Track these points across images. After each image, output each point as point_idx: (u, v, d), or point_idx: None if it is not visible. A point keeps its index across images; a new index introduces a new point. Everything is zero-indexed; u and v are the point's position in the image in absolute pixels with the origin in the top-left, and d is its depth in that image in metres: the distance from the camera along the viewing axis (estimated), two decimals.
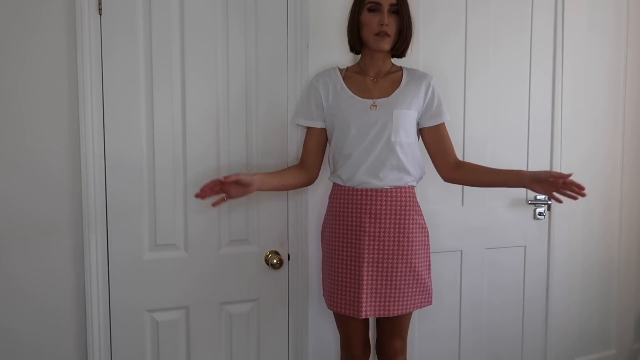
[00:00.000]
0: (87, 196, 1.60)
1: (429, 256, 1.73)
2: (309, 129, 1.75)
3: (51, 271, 1.61)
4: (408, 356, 1.79)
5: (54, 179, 1.59)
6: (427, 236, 1.73)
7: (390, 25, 1.62)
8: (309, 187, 1.84)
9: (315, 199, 1.88)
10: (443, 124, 1.73)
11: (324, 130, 1.73)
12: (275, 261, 1.80)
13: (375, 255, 1.63)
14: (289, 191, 1.85)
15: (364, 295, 1.62)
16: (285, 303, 1.89)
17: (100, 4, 1.59)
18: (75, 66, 1.58)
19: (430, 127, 1.72)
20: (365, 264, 1.62)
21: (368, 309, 1.63)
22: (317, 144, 1.75)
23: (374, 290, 1.63)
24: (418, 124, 1.72)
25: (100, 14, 1.59)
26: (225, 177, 1.50)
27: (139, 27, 1.64)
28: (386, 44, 1.64)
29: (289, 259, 1.87)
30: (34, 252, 1.58)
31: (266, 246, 1.85)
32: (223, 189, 1.51)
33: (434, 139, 1.73)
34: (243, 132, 1.79)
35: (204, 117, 1.74)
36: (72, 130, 1.60)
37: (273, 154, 1.83)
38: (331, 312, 1.88)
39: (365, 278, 1.62)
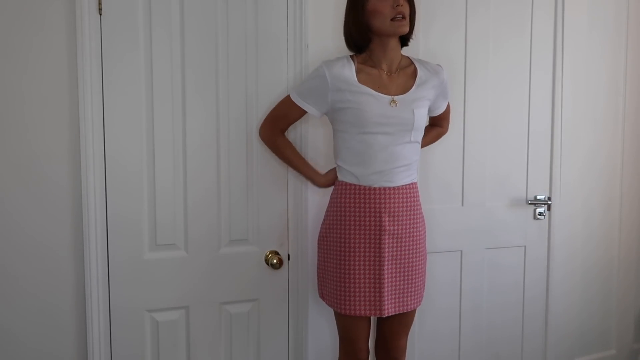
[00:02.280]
0: (87, 195, 1.60)
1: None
2: (299, 107, 1.66)
3: (51, 271, 1.61)
4: (408, 356, 1.79)
5: (54, 179, 1.59)
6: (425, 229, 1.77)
7: (405, 7, 1.57)
8: (309, 186, 1.85)
9: (315, 199, 1.88)
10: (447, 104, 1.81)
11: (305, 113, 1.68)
12: (275, 261, 1.80)
13: (394, 254, 1.62)
14: (289, 191, 1.85)
15: (386, 294, 1.61)
16: (285, 303, 1.89)
17: (100, 4, 1.59)
18: (76, 66, 1.58)
19: (440, 113, 1.81)
20: (386, 263, 1.61)
21: (390, 307, 1.62)
22: (294, 122, 1.73)
23: (393, 288, 1.63)
24: (430, 111, 1.76)
25: (100, 14, 1.59)
26: None
27: (139, 27, 1.64)
28: (405, 27, 1.57)
29: (289, 259, 1.87)
30: (33, 252, 1.58)
31: (266, 246, 1.85)
32: None
33: (439, 118, 1.85)
34: (243, 131, 1.79)
35: (204, 116, 1.74)
36: (72, 130, 1.60)
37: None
38: (331, 312, 1.88)
39: (386, 277, 1.61)
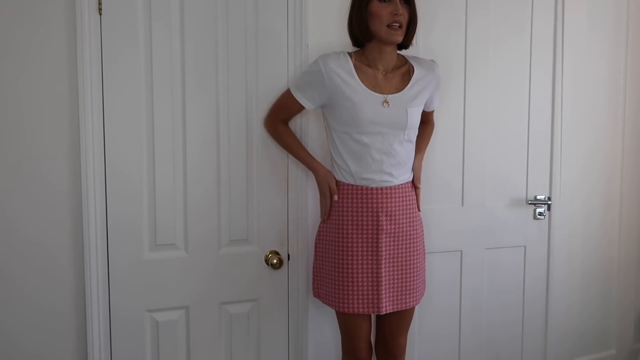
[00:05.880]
0: (87, 196, 1.60)
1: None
2: (296, 99, 1.68)
3: (51, 271, 1.60)
4: (408, 357, 1.79)
5: (53, 179, 1.59)
6: (423, 227, 1.78)
7: (404, 15, 1.59)
8: (310, 185, 1.85)
9: (316, 198, 1.87)
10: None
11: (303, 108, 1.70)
12: (275, 261, 1.80)
13: (391, 252, 1.63)
14: (289, 191, 1.85)
15: (384, 292, 1.62)
16: (285, 303, 1.89)
17: (100, 4, 1.58)
18: (75, 66, 1.58)
19: (433, 109, 1.80)
20: (384, 262, 1.62)
21: (387, 304, 1.63)
22: (294, 114, 1.76)
23: (391, 286, 1.64)
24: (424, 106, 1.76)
25: (100, 14, 1.59)
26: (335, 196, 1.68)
27: (139, 27, 1.64)
28: (399, 36, 1.60)
29: (289, 259, 1.87)
30: (33, 252, 1.58)
31: (266, 246, 1.85)
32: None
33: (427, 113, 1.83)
34: (243, 131, 1.79)
35: (204, 116, 1.74)
36: (72, 131, 1.60)
37: (273, 151, 1.83)
38: (331, 312, 1.88)
39: (384, 275, 1.62)
